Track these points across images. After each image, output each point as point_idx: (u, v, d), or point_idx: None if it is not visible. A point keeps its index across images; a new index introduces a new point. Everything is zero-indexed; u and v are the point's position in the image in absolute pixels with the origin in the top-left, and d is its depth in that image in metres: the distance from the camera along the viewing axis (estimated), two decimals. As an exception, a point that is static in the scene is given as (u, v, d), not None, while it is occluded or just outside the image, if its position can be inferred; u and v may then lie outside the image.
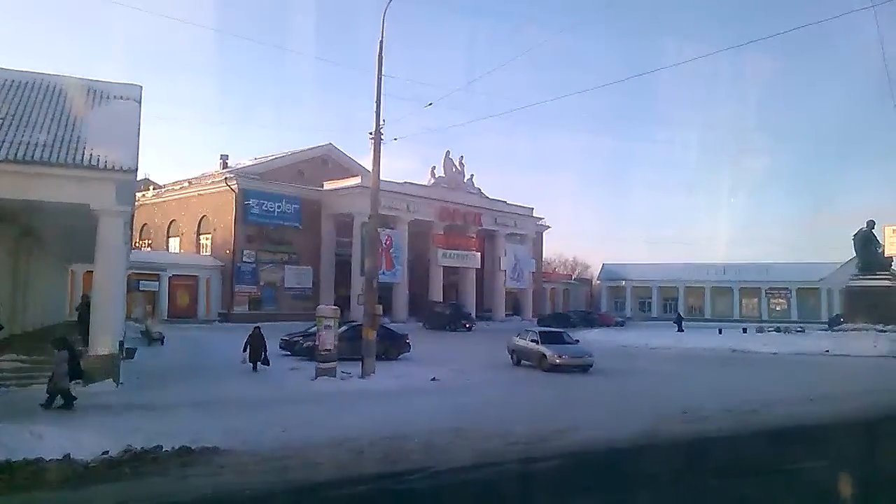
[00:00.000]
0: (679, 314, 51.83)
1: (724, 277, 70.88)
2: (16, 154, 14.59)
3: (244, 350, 19.19)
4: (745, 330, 43.56)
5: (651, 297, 75.42)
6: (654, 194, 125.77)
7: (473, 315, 47.18)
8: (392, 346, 23.23)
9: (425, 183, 49.82)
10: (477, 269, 52.94)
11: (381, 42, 18.88)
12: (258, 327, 20.02)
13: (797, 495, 8.03)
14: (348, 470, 8.80)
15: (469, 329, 42.43)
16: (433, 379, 18.29)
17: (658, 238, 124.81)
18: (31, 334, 22.24)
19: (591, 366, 21.55)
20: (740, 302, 72.33)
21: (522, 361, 23.07)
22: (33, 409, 12.08)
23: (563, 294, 75.35)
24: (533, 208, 59.52)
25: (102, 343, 15.67)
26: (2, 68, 17.98)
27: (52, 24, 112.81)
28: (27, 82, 17.46)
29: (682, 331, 43.71)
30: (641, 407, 14.39)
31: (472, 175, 53.68)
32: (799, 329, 44.41)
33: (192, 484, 7.81)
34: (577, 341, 24.10)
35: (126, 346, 20.34)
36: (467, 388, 17.55)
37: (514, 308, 57.54)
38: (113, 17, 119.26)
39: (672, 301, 74.16)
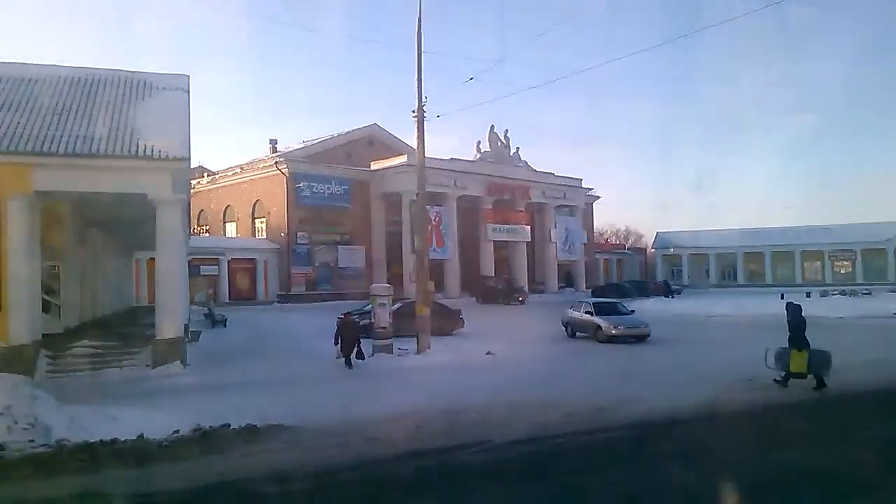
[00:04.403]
0: (666, 281, 50.68)
1: (784, 241, 68.70)
2: (75, 147, 15.18)
3: (335, 343, 16.58)
4: (808, 294, 42.17)
5: (708, 265, 73.59)
6: (706, 158, 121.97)
7: (526, 288, 47.02)
8: (446, 322, 23.36)
9: (471, 158, 49.56)
10: (528, 243, 52.62)
11: (420, 18, 18.73)
12: (349, 313, 17.79)
13: (862, 464, 7.77)
14: (408, 445, 8.94)
15: (522, 302, 42.31)
16: (488, 353, 18.36)
17: (713, 203, 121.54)
18: (102, 321, 23.21)
19: (648, 335, 21.29)
20: (802, 266, 69.90)
21: (577, 333, 22.94)
22: (108, 391, 12.65)
23: (617, 264, 74.25)
24: (581, 179, 58.68)
25: (169, 327, 16.25)
26: (54, 65, 18.66)
27: (95, 20, 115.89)
28: (79, 77, 18.06)
29: (672, 297, 43.48)
30: (703, 376, 14.06)
31: (517, 148, 53.13)
32: (865, 292, 42.85)
33: (259, 461, 8.06)
34: (633, 311, 23.79)
35: (191, 329, 21.03)
36: (523, 361, 17.55)
37: (567, 280, 57.07)
38: (159, 9, 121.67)
39: (731, 268, 72.36)
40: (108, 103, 17.21)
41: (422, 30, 18.78)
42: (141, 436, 8.77)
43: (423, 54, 18.89)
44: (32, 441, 8.46)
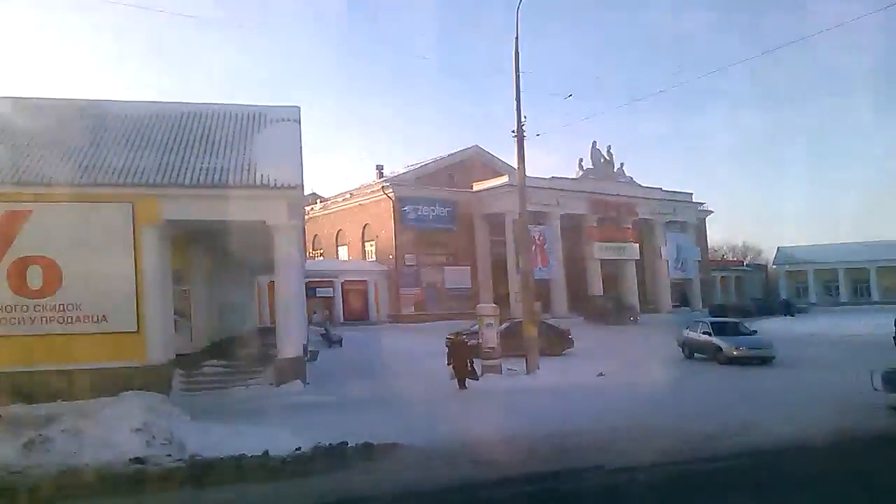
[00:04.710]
0: (786, 299, 47.67)
1: (926, 253, 62.68)
2: (199, 179, 16.40)
3: (448, 363, 16.52)
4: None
5: (837, 281, 68.21)
6: (828, 168, 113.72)
7: (637, 307, 45.63)
8: (555, 342, 23.12)
9: (573, 176, 48.94)
10: (637, 261, 51.09)
11: (517, 38, 18.82)
12: (458, 334, 17.92)
13: None
14: (521, 467, 8.86)
15: (634, 322, 41.10)
16: (600, 374, 17.97)
17: (839, 215, 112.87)
18: (228, 342, 24.63)
19: (773, 357, 20.09)
20: (949, 281, 63.36)
21: (695, 355, 22.04)
22: (235, 409, 13.40)
23: (735, 282, 70.47)
24: (692, 193, 56.42)
25: (289, 347, 17.09)
26: (176, 102, 20.32)
27: (205, 56, 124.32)
28: (199, 113, 19.58)
29: (793, 315, 42.24)
30: (831, 400, 13.07)
31: (622, 164, 51.89)
32: None
33: (376, 479, 8.27)
34: (755, 331, 22.55)
35: (310, 348, 21.95)
36: (636, 383, 16.97)
37: (681, 299, 54.83)
38: (267, 44, 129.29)
39: (863, 284, 66.86)
40: (227, 136, 18.54)
41: (519, 49, 18.89)
42: (266, 452, 9.19)
43: (521, 74, 19.01)
44: (169, 455, 9.08)
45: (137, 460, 8.78)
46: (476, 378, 16.51)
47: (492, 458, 9.34)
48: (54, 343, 15.27)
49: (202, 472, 8.44)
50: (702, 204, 59.15)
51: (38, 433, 9.22)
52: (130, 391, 12.00)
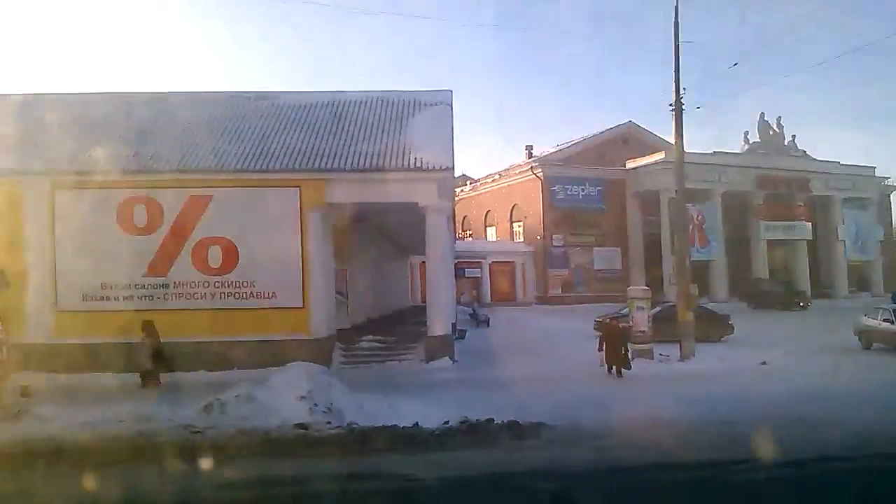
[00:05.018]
0: None
1: None
2: (359, 163, 17.28)
3: (599, 349, 15.64)
4: None
5: None
6: None
7: (808, 292, 42.01)
8: (712, 328, 21.94)
9: (738, 150, 45.67)
10: (809, 241, 46.89)
11: (677, 7, 17.91)
12: (613, 318, 17.32)
13: None
14: (670, 454, 8.50)
15: (804, 308, 37.91)
16: (762, 363, 16.87)
17: None
18: (382, 319, 25.89)
19: (972, 350, 17.75)
20: None
21: (874, 344, 19.96)
22: (389, 382, 14.12)
23: (927, 264, 62.60)
24: (875, 167, 50.53)
25: (438, 325, 17.70)
26: (334, 91, 21.38)
27: (365, 43, 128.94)
28: (356, 100, 20.52)
29: None
30: None
31: (793, 136, 47.56)
32: None
33: (521, 456, 8.39)
34: (949, 320, 19.98)
35: (458, 327, 22.55)
36: (804, 373, 15.69)
37: (860, 283, 49.63)
38: (416, 30, 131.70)
39: None
40: (383, 121, 19.34)
41: (679, 19, 17.98)
42: (416, 424, 9.64)
43: (680, 44, 18.09)
44: (329, 423, 9.80)
45: (301, 426, 9.56)
46: (629, 367, 15.52)
47: (640, 443, 9.12)
48: (230, 316, 16.85)
49: (358, 440, 9.03)
50: (887, 178, 52.93)
51: (216, 398, 10.31)
52: (296, 362, 12.99)
